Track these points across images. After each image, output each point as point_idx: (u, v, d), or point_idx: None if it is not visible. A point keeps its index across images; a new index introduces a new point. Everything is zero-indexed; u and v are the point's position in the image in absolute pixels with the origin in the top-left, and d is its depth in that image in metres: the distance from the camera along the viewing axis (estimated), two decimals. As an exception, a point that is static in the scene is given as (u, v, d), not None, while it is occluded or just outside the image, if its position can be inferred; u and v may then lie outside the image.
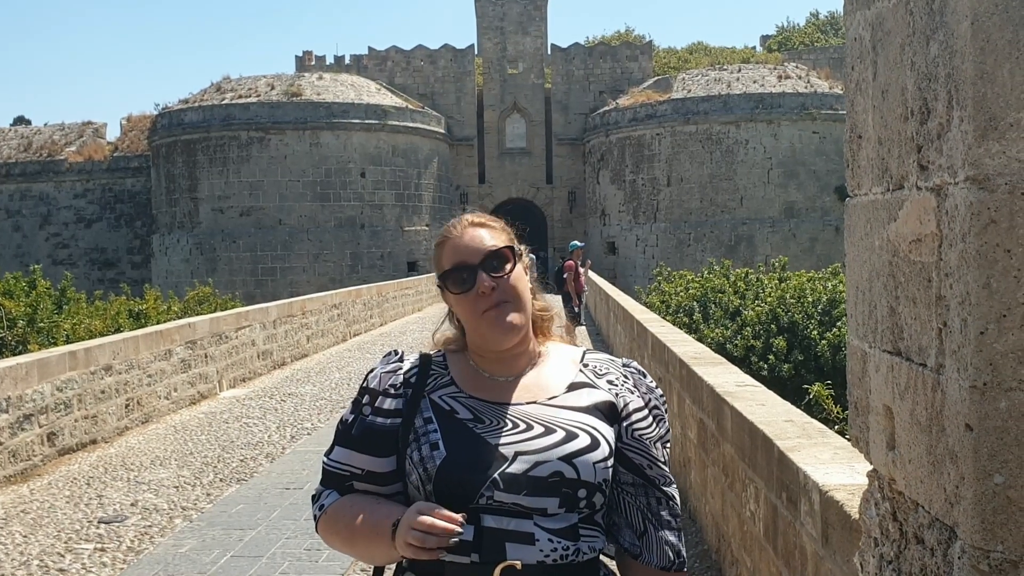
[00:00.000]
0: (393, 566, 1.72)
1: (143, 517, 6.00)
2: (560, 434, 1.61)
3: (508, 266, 1.67)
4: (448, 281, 1.67)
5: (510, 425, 1.63)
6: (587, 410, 1.66)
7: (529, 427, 1.63)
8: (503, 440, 1.61)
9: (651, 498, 1.66)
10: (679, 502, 1.71)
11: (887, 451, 1.49)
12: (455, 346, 1.79)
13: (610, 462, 1.62)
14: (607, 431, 1.64)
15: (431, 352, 1.81)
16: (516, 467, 1.57)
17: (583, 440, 1.61)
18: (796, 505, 2.87)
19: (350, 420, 1.72)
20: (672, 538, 1.66)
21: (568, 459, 1.58)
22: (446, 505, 1.57)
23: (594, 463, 1.59)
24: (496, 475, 1.57)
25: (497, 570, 1.53)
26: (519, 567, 1.53)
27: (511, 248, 1.69)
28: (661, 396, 1.75)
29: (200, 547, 5.31)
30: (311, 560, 5.03)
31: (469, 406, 1.67)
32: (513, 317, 1.65)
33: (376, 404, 1.71)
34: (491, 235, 1.70)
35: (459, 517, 1.52)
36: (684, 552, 1.69)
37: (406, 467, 1.65)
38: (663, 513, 1.66)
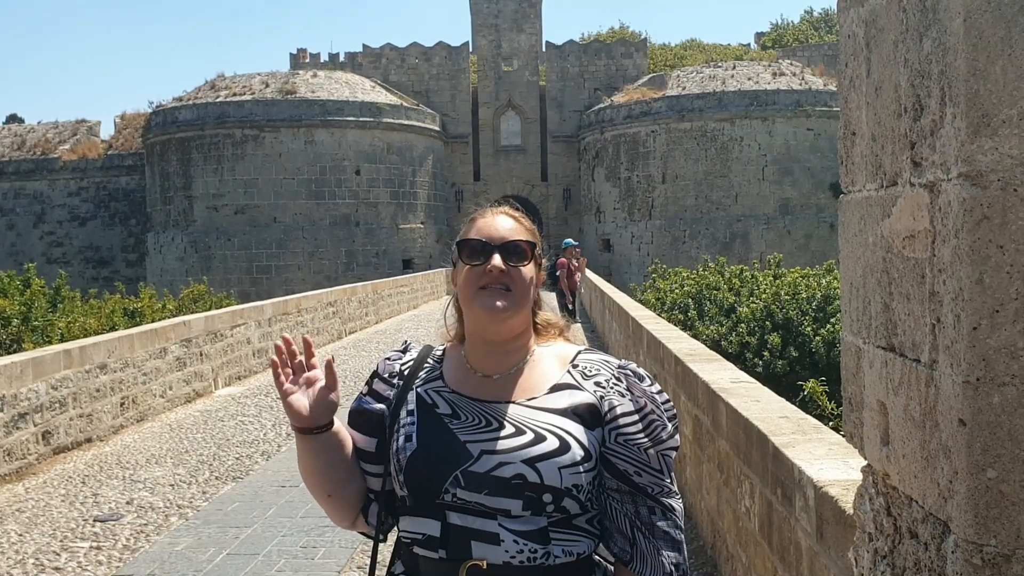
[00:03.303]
0: (387, 562, 1.73)
1: (139, 515, 5.99)
2: (528, 436, 1.59)
3: (524, 260, 1.70)
4: (464, 250, 1.70)
5: (483, 423, 1.64)
6: (563, 412, 1.63)
7: (501, 426, 1.62)
8: (472, 437, 1.62)
9: (640, 506, 1.61)
10: (681, 515, 1.65)
11: (881, 446, 1.50)
12: (457, 338, 1.81)
13: (584, 467, 1.58)
14: (581, 434, 1.60)
15: (435, 345, 1.85)
16: (479, 466, 1.58)
17: (550, 443, 1.58)
18: (791, 501, 2.88)
19: (356, 395, 1.81)
20: (668, 551, 1.61)
21: (531, 462, 1.56)
22: (416, 498, 1.62)
23: (560, 467, 1.56)
24: (458, 472, 1.57)
25: (463, 569, 1.54)
26: (484, 567, 1.54)
27: (533, 245, 1.73)
28: (665, 402, 1.68)
29: (196, 545, 5.31)
30: (307, 558, 5.03)
31: (450, 401, 1.69)
32: (506, 304, 1.65)
33: (373, 387, 1.78)
34: (518, 228, 1.74)
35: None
36: (684, 567, 1.63)
37: (388, 455, 1.70)
38: (658, 524, 1.61)
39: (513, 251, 1.69)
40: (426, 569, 1.59)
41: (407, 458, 1.63)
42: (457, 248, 1.72)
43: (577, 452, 1.58)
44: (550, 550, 1.56)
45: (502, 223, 1.73)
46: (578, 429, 1.61)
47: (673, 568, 1.61)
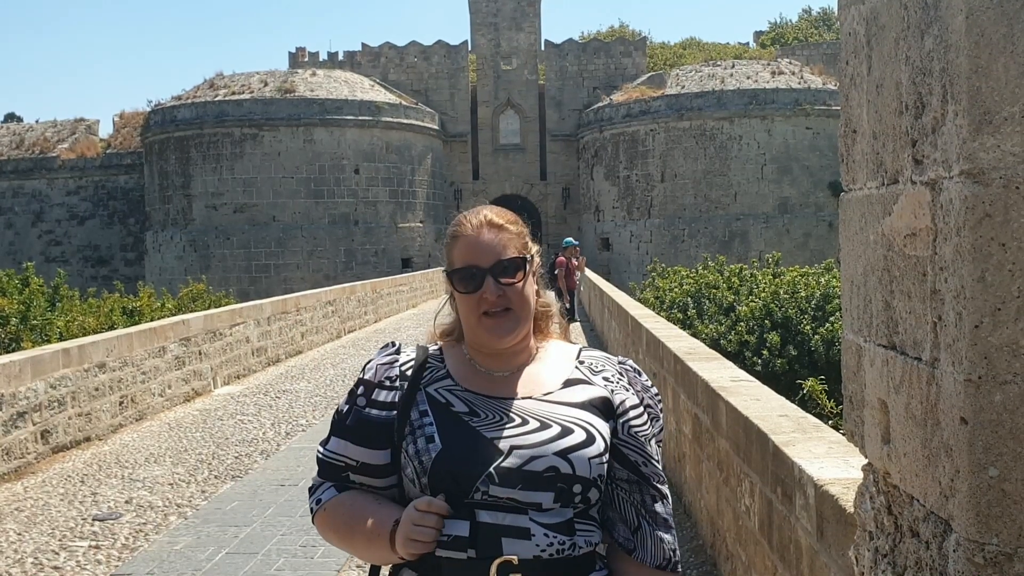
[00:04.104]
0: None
1: (138, 514, 5.99)
2: (556, 429, 1.61)
3: (519, 275, 1.67)
4: (455, 279, 1.67)
5: (505, 419, 1.63)
6: (582, 406, 1.66)
7: (524, 422, 1.63)
8: (498, 434, 1.61)
9: (645, 495, 1.66)
10: (671, 500, 1.71)
11: (882, 445, 1.50)
12: (454, 335, 1.79)
13: (605, 458, 1.62)
14: (602, 427, 1.64)
15: (428, 345, 1.81)
16: (511, 461, 1.57)
17: (578, 435, 1.61)
18: (791, 499, 2.88)
19: (345, 410, 1.72)
20: (667, 537, 1.66)
21: (563, 454, 1.58)
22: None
23: (589, 458, 1.59)
24: (492, 469, 1.57)
25: (494, 566, 1.54)
26: (515, 562, 1.54)
27: (524, 258, 1.68)
28: (656, 395, 1.75)
29: (195, 544, 5.31)
30: (306, 556, 5.03)
31: (464, 399, 1.67)
32: (511, 327, 1.66)
33: (372, 396, 1.70)
34: (507, 240, 1.68)
35: (444, 504, 1.55)
36: (678, 552, 1.69)
37: (401, 460, 1.65)
38: (658, 510, 1.66)
39: (505, 269, 1.65)
40: (451, 570, 1.56)
41: (432, 459, 1.59)
42: (448, 278, 1.69)
43: (600, 443, 1.62)
44: (575, 541, 1.59)
45: (487, 238, 1.67)
46: (599, 421, 1.65)
47: (671, 553, 1.67)
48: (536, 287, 1.75)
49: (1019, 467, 1.19)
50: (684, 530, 5.17)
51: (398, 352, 1.77)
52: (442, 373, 1.73)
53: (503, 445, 1.59)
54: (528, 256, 1.70)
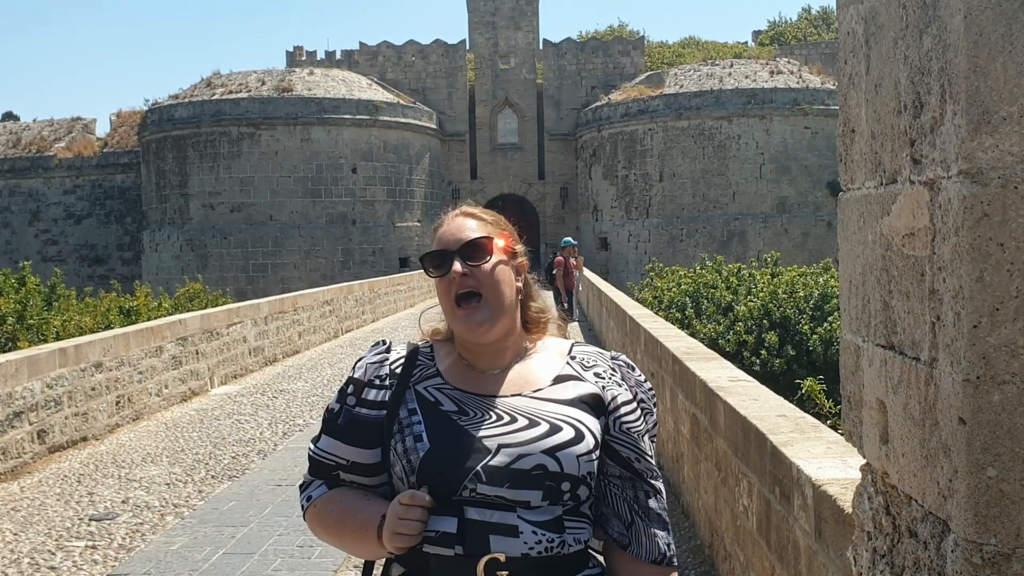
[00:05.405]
0: (382, 561, 1.72)
1: (134, 514, 5.98)
2: (544, 427, 1.61)
3: (486, 256, 1.68)
4: (426, 263, 1.71)
5: (494, 418, 1.63)
6: (572, 403, 1.66)
7: (513, 419, 1.63)
8: (486, 432, 1.61)
9: (639, 491, 1.66)
10: (665, 496, 1.71)
11: (880, 445, 1.49)
12: (443, 334, 1.80)
13: (595, 455, 1.62)
14: (592, 423, 1.64)
15: (419, 343, 1.81)
16: (499, 460, 1.57)
17: (567, 433, 1.60)
18: (789, 499, 2.88)
19: (336, 410, 1.73)
20: (661, 532, 1.66)
21: (551, 452, 1.58)
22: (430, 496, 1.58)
23: (578, 456, 1.59)
24: (479, 467, 1.57)
25: (481, 563, 1.54)
26: (503, 560, 1.54)
27: (491, 239, 1.70)
28: (650, 390, 1.74)
29: (192, 544, 5.30)
30: (303, 556, 5.03)
31: (454, 398, 1.68)
32: (483, 317, 1.65)
33: (361, 395, 1.71)
34: (477, 226, 1.72)
35: (425, 495, 1.56)
36: (673, 547, 1.68)
37: (391, 458, 1.65)
38: (652, 506, 1.66)
39: (472, 251, 1.68)
40: (439, 567, 1.57)
41: (420, 458, 1.60)
42: (421, 263, 1.72)
43: (590, 440, 1.61)
44: (565, 539, 1.58)
45: (460, 226, 1.71)
46: (588, 418, 1.64)
47: (666, 548, 1.66)
48: (530, 287, 1.76)
49: (1017, 467, 1.19)
50: (682, 530, 5.16)
51: (388, 350, 1.78)
52: (432, 371, 1.73)
53: (491, 443, 1.59)
54: (495, 238, 1.71)
